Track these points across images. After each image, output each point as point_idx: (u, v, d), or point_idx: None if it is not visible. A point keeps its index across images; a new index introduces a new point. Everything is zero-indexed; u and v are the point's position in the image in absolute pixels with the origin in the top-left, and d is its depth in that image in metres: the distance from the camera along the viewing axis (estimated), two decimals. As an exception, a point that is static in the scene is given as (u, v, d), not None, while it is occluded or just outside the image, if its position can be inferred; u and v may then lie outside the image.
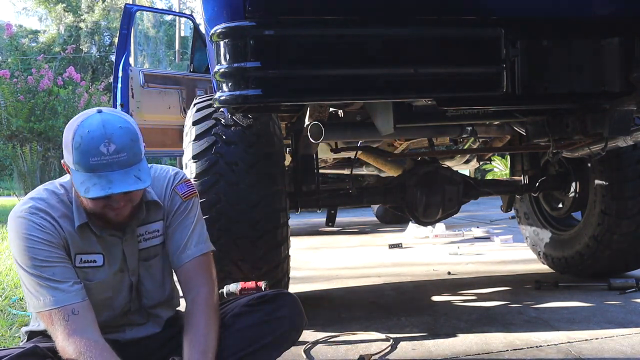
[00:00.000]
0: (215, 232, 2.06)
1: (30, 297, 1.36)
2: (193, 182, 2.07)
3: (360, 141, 2.82)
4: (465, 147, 3.35)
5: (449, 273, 3.38)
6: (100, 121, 1.30)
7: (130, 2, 11.60)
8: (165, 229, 1.53)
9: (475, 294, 2.81)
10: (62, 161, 1.39)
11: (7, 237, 5.32)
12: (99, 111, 1.34)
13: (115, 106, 5.31)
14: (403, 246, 4.62)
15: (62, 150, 1.36)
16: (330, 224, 3.08)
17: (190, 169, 2.11)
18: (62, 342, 1.30)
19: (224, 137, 2.12)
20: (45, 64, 9.19)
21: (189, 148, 2.16)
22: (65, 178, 1.47)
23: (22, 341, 1.57)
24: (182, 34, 23.04)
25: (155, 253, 1.53)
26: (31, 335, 1.54)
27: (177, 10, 21.54)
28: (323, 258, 4.29)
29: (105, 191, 1.27)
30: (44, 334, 1.51)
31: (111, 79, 6.03)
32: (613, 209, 2.75)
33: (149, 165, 1.53)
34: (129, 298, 1.49)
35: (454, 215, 2.88)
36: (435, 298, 2.77)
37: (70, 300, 1.33)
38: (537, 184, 2.96)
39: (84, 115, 1.33)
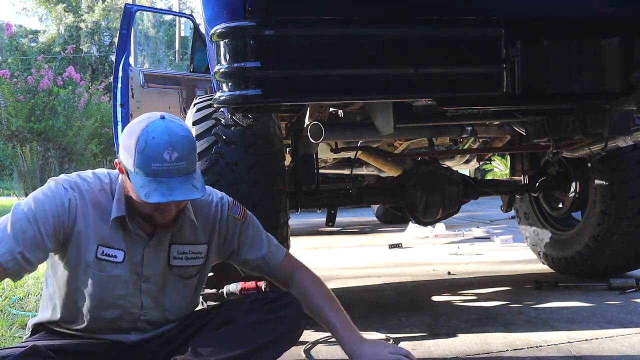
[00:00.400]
0: (215, 232, 2.06)
1: None
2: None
3: (360, 141, 2.82)
4: (465, 147, 3.36)
5: (449, 273, 3.38)
6: (165, 128, 1.32)
7: (130, 2, 11.60)
8: (212, 253, 1.59)
9: (475, 294, 2.81)
10: (115, 161, 1.41)
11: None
12: (162, 117, 1.35)
13: (115, 106, 5.31)
14: (403, 246, 4.62)
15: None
16: (330, 224, 3.08)
17: (190, 169, 2.11)
18: None
19: (224, 137, 2.12)
20: (45, 64, 9.19)
21: (189, 148, 2.15)
22: (113, 170, 1.50)
23: (26, 335, 1.58)
24: (182, 34, 23.05)
25: (192, 273, 1.56)
26: (35, 328, 1.55)
27: (177, 10, 21.54)
28: (323, 258, 4.28)
29: (166, 198, 1.30)
30: (47, 329, 1.51)
31: (111, 79, 6.03)
32: (613, 209, 2.75)
33: None
34: (141, 304, 1.50)
35: (454, 215, 2.88)
36: (435, 298, 2.76)
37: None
38: (537, 184, 2.96)
39: (146, 119, 1.35)
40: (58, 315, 1.49)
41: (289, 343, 1.55)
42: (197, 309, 1.71)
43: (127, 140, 1.34)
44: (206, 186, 1.59)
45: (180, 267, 1.53)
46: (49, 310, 1.52)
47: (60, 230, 1.38)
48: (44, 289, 1.57)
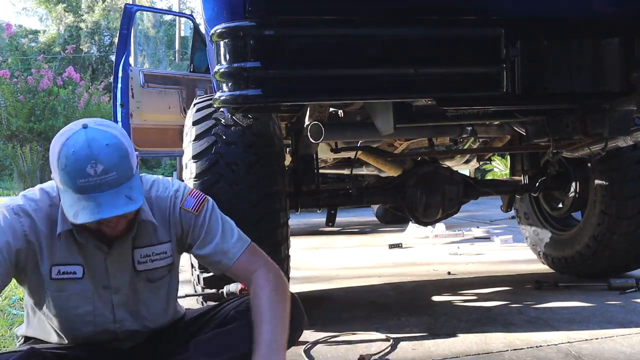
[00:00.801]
0: (215, 232, 2.06)
1: None
2: (193, 183, 2.07)
3: (360, 141, 2.82)
4: (465, 147, 3.36)
5: (449, 273, 3.38)
6: (85, 140, 1.22)
7: (130, 2, 11.60)
8: (176, 249, 1.50)
9: (475, 294, 2.81)
10: (52, 175, 1.32)
11: None
12: (85, 126, 1.25)
13: (115, 106, 5.32)
14: (403, 246, 4.62)
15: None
16: (330, 224, 3.08)
17: (190, 169, 2.11)
18: None
19: (224, 137, 2.11)
20: (45, 64, 9.19)
21: (189, 148, 2.15)
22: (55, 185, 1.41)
23: (17, 343, 1.57)
24: (182, 34, 23.04)
25: (162, 275, 1.49)
26: (27, 340, 1.54)
27: (177, 10, 21.53)
28: (323, 258, 4.28)
29: (94, 216, 1.21)
30: (38, 341, 1.51)
31: (111, 79, 6.03)
32: (613, 209, 2.75)
33: (153, 179, 1.51)
34: (113, 318, 1.44)
35: (454, 215, 2.88)
36: (435, 298, 2.77)
37: None
38: (537, 184, 2.96)
39: (68, 131, 1.26)
40: (38, 332, 1.48)
41: (289, 342, 1.54)
42: (196, 308, 1.71)
43: (51, 157, 1.26)
44: (164, 178, 1.54)
45: (148, 270, 1.45)
46: (31, 327, 1.50)
47: (12, 260, 1.31)
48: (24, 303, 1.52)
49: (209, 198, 1.53)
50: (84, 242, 1.36)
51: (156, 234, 1.46)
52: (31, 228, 1.33)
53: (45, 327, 1.46)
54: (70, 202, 1.23)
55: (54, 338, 1.46)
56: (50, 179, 1.40)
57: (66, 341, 1.45)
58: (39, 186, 1.42)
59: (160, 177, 1.55)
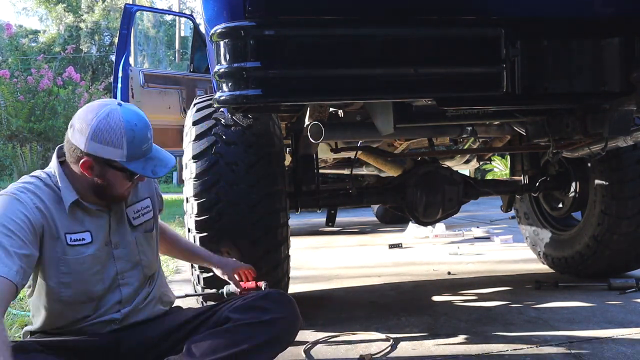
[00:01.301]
0: (215, 232, 2.06)
1: None
2: (193, 183, 2.08)
3: (360, 141, 2.82)
4: (465, 147, 3.35)
5: (449, 273, 3.38)
6: (135, 113, 1.46)
7: (130, 2, 11.60)
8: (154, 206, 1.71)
9: (475, 294, 2.81)
10: (82, 162, 1.44)
11: None
12: (119, 104, 1.46)
13: (115, 106, 5.31)
14: (403, 246, 4.62)
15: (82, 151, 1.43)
16: (330, 224, 3.08)
17: (190, 169, 2.11)
18: None
19: (224, 137, 2.12)
20: (45, 64, 9.19)
21: (189, 148, 2.16)
22: (38, 170, 1.56)
23: (23, 339, 1.58)
24: (182, 34, 23.04)
25: (152, 226, 1.67)
26: (32, 335, 1.55)
27: (177, 10, 21.54)
28: (323, 258, 4.28)
29: (167, 168, 1.52)
30: (42, 333, 1.52)
31: (111, 79, 6.03)
32: (613, 209, 2.75)
33: None
34: (116, 271, 1.55)
35: (454, 215, 2.88)
36: (435, 298, 2.77)
37: (3, 272, 1.29)
38: (537, 184, 2.96)
39: (114, 111, 1.43)
40: (47, 320, 1.50)
41: (283, 344, 1.54)
42: (195, 308, 1.71)
43: (107, 137, 1.41)
44: None
45: (142, 223, 1.64)
46: (39, 317, 1.52)
47: (35, 233, 1.40)
48: (30, 299, 1.56)
49: None
50: (90, 206, 1.51)
51: (136, 191, 1.65)
52: (40, 201, 1.44)
53: (55, 307, 1.49)
54: (141, 165, 1.47)
55: (64, 317, 1.50)
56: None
57: (71, 318, 1.50)
58: (24, 176, 1.54)
59: None
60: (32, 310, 1.56)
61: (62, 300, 1.48)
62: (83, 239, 1.49)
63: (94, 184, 1.48)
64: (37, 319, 1.53)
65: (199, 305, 2.15)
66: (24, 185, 1.46)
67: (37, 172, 1.53)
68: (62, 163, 1.52)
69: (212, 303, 1.75)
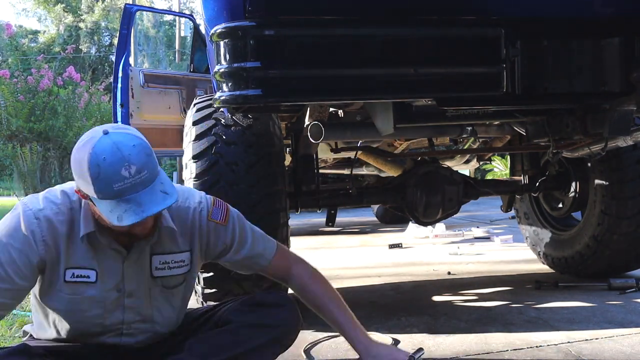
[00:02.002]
0: (215, 232, 2.05)
1: None
2: (193, 183, 2.07)
3: (360, 141, 2.82)
4: (465, 147, 3.35)
5: (449, 273, 3.38)
6: (113, 144, 1.23)
7: (130, 2, 11.59)
8: (197, 259, 1.53)
9: (476, 294, 2.81)
10: (75, 189, 1.34)
11: None
12: (105, 132, 1.26)
13: (115, 106, 5.31)
14: (403, 246, 4.62)
15: (71, 171, 1.30)
16: (330, 224, 3.08)
17: (190, 169, 2.11)
18: None
19: (224, 137, 2.11)
20: (45, 64, 9.18)
21: (189, 148, 2.15)
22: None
23: (23, 339, 1.58)
24: (182, 34, 23.03)
25: (177, 282, 1.51)
26: (31, 336, 1.55)
27: (177, 10, 21.52)
28: (323, 258, 4.28)
29: (140, 216, 1.23)
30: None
31: (111, 79, 6.03)
32: (613, 209, 2.75)
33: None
34: (122, 320, 1.45)
35: (454, 215, 2.88)
36: (435, 298, 2.76)
37: None
38: (537, 184, 2.96)
39: (90, 140, 1.25)
40: (42, 331, 1.49)
41: (284, 345, 1.54)
42: (195, 308, 1.71)
43: (78, 169, 1.26)
44: (181, 186, 1.58)
45: (164, 277, 1.48)
46: (35, 324, 1.51)
47: (33, 269, 1.33)
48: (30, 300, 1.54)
49: (229, 206, 1.59)
50: (107, 244, 1.38)
51: (176, 242, 1.48)
52: (50, 232, 1.34)
53: (46, 326, 1.46)
54: (110, 207, 1.24)
55: (53, 335, 1.47)
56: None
57: (69, 339, 1.46)
58: (60, 187, 1.43)
59: (181, 186, 1.59)
60: (32, 311, 1.55)
61: (55, 329, 1.45)
62: (87, 277, 1.38)
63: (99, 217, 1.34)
64: (34, 326, 1.52)
65: (199, 306, 2.15)
66: (42, 209, 1.34)
67: (71, 190, 1.39)
68: None
69: (213, 304, 1.75)
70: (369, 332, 2.16)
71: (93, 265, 1.39)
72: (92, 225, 1.35)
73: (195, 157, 2.10)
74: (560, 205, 3.11)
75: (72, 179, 1.36)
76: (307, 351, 1.99)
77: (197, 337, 1.50)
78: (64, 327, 1.43)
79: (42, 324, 1.48)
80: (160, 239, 1.46)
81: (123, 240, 1.39)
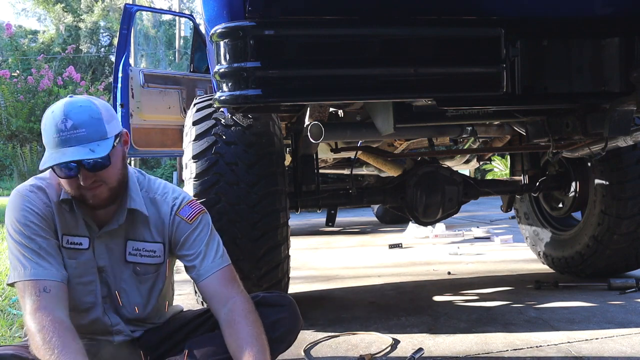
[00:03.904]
0: (215, 232, 2.06)
1: (11, 269, 1.37)
2: (193, 183, 2.07)
3: (360, 141, 2.82)
4: (465, 147, 3.36)
5: (449, 273, 3.38)
6: (64, 103, 1.36)
7: (130, 2, 11.59)
8: (168, 252, 1.55)
9: (476, 294, 2.81)
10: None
11: (6, 237, 5.32)
12: (71, 96, 1.39)
13: (115, 106, 5.31)
14: (403, 246, 4.62)
15: None
16: (330, 224, 3.09)
17: (190, 169, 2.11)
18: (28, 315, 1.29)
19: (224, 137, 2.11)
20: (45, 64, 9.18)
21: (189, 148, 2.15)
22: None
23: (23, 339, 1.58)
24: (182, 34, 23.04)
25: (146, 271, 1.54)
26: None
27: (177, 10, 21.54)
28: (323, 258, 4.28)
29: (55, 160, 1.30)
30: None
31: (111, 79, 6.03)
32: (613, 209, 2.75)
33: (161, 182, 1.59)
34: (102, 293, 1.50)
35: (454, 215, 2.88)
36: (436, 298, 2.77)
37: (46, 276, 1.33)
38: (537, 184, 2.96)
39: (56, 103, 1.39)
40: None
41: (284, 345, 1.54)
42: (195, 309, 1.71)
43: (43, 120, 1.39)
44: (168, 183, 1.60)
45: (136, 263, 1.52)
46: None
47: (50, 227, 1.42)
48: None
49: (206, 212, 1.59)
50: (80, 214, 1.45)
51: (150, 232, 1.53)
52: (47, 198, 1.43)
53: None
54: (46, 157, 1.33)
55: None
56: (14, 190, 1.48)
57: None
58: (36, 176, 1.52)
59: (169, 184, 1.62)
60: None
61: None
62: (80, 244, 1.46)
63: None
64: None
65: (200, 306, 2.15)
66: (33, 183, 1.46)
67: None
68: None
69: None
70: (368, 332, 2.18)
71: (84, 232, 1.47)
72: (68, 193, 1.43)
73: (195, 157, 2.10)
74: (560, 205, 3.11)
75: None
76: (307, 351, 1.99)
77: (196, 337, 1.50)
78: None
79: None
80: (135, 226, 1.51)
81: (91, 214, 1.46)
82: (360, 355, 1.89)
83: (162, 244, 1.54)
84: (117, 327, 1.52)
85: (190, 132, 2.19)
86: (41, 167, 1.33)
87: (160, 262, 1.55)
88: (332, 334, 2.19)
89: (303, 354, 1.96)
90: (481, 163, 3.69)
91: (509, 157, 3.52)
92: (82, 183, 1.36)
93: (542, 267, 3.36)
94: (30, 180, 1.48)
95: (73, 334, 1.29)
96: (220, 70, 1.52)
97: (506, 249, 4.31)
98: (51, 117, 1.34)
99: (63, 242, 1.45)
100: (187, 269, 1.55)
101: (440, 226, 5.18)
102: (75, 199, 1.43)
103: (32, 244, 1.37)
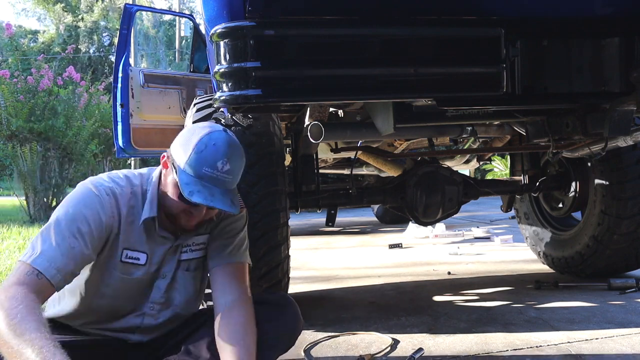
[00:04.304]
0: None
1: (30, 247, 1.31)
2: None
3: (360, 141, 2.82)
4: (465, 147, 3.36)
5: (449, 273, 3.38)
6: (228, 139, 1.37)
7: (130, 2, 11.59)
8: (209, 240, 1.55)
9: (476, 294, 2.82)
10: (163, 154, 1.43)
11: (7, 237, 5.29)
12: (225, 130, 1.40)
13: (115, 106, 5.31)
14: (403, 246, 4.62)
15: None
16: (330, 224, 3.09)
17: (190, 169, 2.11)
18: (4, 284, 1.25)
19: (224, 137, 2.11)
20: (45, 64, 9.18)
21: (189, 148, 2.15)
22: (149, 170, 1.50)
23: None
24: (182, 34, 23.03)
25: (196, 265, 1.55)
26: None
27: (177, 10, 21.53)
28: (323, 258, 4.28)
29: (208, 202, 1.31)
30: (57, 324, 1.51)
31: (111, 79, 6.02)
32: (613, 209, 2.75)
33: None
34: (148, 299, 1.50)
35: (454, 215, 2.88)
36: (436, 298, 2.77)
37: (47, 272, 1.27)
38: (537, 184, 2.96)
39: (212, 127, 1.39)
40: (67, 310, 1.49)
41: (284, 346, 1.54)
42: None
43: (187, 137, 1.38)
44: None
45: (187, 260, 1.53)
46: (57, 306, 1.52)
47: (101, 240, 1.39)
48: None
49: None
50: (158, 230, 1.45)
51: (204, 226, 1.53)
52: (117, 208, 1.41)
53: (81, 306, 1.47)
54: (188, 180, 1.33)
55: (84, 316, 1.49)
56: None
57: (93, 319, 1.49)
58: (123, 172, 1.49)
59: None
60: (52, 298, 1.54)
61: (87, 303, 1.47)
62: (138, 259, 1.45)
63: (161, 198, 1.42)
64: (54, 308, 1.53)
65: (201, 306, 2.15)
66: (112, 186, 1.42)
67: (133, 174, 1.48)
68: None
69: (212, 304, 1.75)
70: (368, 332, 2.18)
71: (145, 249, 1.45)
72: (156, 210, 1.43)
73: (195, 157, 2.10)
74: (560, 205, 3.11)
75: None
76: (307, 351, 1.99)
77: (196, 337, 1.49)
78: (99, 305, 1.46)
79: (66, 306, 1.48)
80: None
81: (171, 228, 1.46)
82: (360, 356, 1.89)
83: (209, 234, 1.55)
84: (143, 327, 1.51)
85: (190, 132, 2.19)
86: (192, 198, 1.30)
87: (203, 255, 1.56)
88: (332, 334, 2.19)
89: (303, 354, 1.96)
90: (481, 163, 3.69)
91: (509, 157, 3.52)
92: (198, 217, 1.40)
93: (542, 267, 3.36)
94: (107, 180, 1.43)
95: (38, 310, 1.23)
96: (220, 70, 1.52)
97: (506, 249, 4.31)
98: (213, 150, 1.34)
99: (122, 257, 1.43)
100: (208, 254, 1.56)
101: (440, 226, 5.18)
102: (168, 217, 1.43)
103: (69, 240, 1.30)
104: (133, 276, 1.45)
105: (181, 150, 1.37)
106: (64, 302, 1.51)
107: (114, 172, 1.50)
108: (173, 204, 1.40)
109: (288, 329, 1.53)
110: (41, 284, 1.27)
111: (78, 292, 1.47)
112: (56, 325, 1.50)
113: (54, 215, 1.36)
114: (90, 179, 1.44)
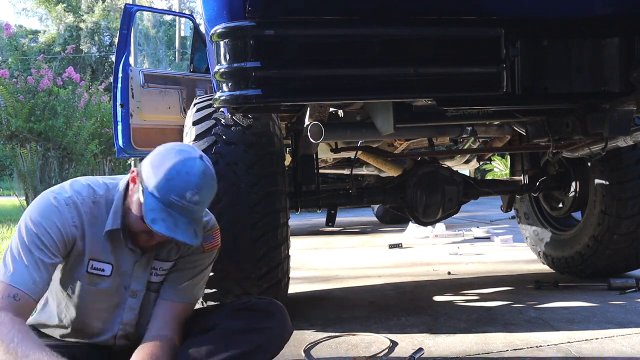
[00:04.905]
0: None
1: (2, 265, 1.33)
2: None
3: (360, 141, 2.82)
4: (465, 147, 3.36)
5: (449, 273, 3.38)
6: (202, 169, 1.34)
7: (130, 2, 11.60)
8: (172, 267, 1.55)
9: (476, 294, 2.81)
10: (133, 169, 1.41)
11: (6, 237, 5.29)
12: (201, 157, 1.37)
13: (115, 106, 5.31)
14: (403, 246, 4.62)
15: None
16: (330, 224, 3.09)
17: (190, 169, 2.11)
18: None
19: (224, 137, 2.11)
20: (45, 64, 9.18)
21: (189, 148, 2.15)
22: (115, 179, 1.48)
23: None
24: (182, 34, 23.03)
25: (156, 289, 1.54)
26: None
27: (177, 10, 21.52)
28: (323, 258, 4.28)
29: (170, 232, 1.30)
30: (38, 332, 1.51)
31: (111, 79, 6.02)
32: (613, 209, 2.75)
33: None
34: (121, 319, 1.49)
35: (454, 215, 2.88)
36: (436, 298, 2.76)
37: (23, 287, 1.29)
38: (537, 184, 2.96)
39: (190, 152, 1.36)
40: (46, 320, 1.51)
41: (273, 351, 1.52)
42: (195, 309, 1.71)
43: (159, 160, 1.34)
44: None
45: (154, 283, 1.52)
46: (41, 312, 1.53)
47: (66, 248, 1.39)
48: None
49: (219, 247, 1.59)
50: (125, 241, 1.43)
51: (172, 253, 1.53)
52: (78, 219, 1.39)
53: (55, 313, 1.49)
54: (152, 206, 1.31)
55: (60, 325, 1.50)
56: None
57: (68, 331, 1.49)
58: (85, 180, 1.47)
59: None
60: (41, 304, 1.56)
61: (61, 316, 1.48)
62: (103, 270, 1.43)
63: (125, 211, 1.41)
64: (39, 314, 1.53)
65: (199, 305, 2.15)
66: (70, 195, 1.40)
67: (97, 183, 1.46)
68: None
69: (213, 303, 1.75)
70: (368, 332, 2.18)
71: (110, 259, 1.44)
72: (119, 222, 1.41)
73: (195, 157, 2.10)
74: (560, 205, 3.11)
75: (73, 178, 1.38)
76: (307, 351, 1.99)
77: (187, 340, 1.48)
78: (70, 319, 1.47)
79: (50, 316, 1.50)
80: (166, 246, 1.52)
81: (138, 243, 1.44)
82: (360, 356, 1.89)
83: (174, 262, 1.55)
84: (118, 344, 1.52)
85: (190, 132, 2.19)
86: (153, 227, 1.29)
87: (163, 280, 1.55)
88: (332, 334, 2.19)
89: (303, 354, 1.96)
90: (481, 163, 3.69)
91: (509, 157, 3.52)
92: (158, 238, 1.39)
93: (542, 267, 3.36)
94: (68, 189, 1.42)
95: (31, 332, 1.28)
96: (220, 70, 1.52)
97: (506, 249, 4.31)
98: (184, 180, 1.31)
99: (88, 267, 1.42)
100: (165, 279, 1.54)
101: (440, 226, 5.18)
102: (129, 232, 1.42)
103: (35, 253, 1.32)
104: (98, 287, 1.43)
105: (151, 173, 1.33)
106: (42, 312, 1.52)
107: (77, 180, 1.47)
108: (135, 222, 1.38)
109: (275, 336, 1.52)
110: (21, 305, 1.28)
111: (54, 302, 1.48)
112: (40, 334, 1.51)
113: (17, 228, 1.37)
114: (51, 189, 1.44)
